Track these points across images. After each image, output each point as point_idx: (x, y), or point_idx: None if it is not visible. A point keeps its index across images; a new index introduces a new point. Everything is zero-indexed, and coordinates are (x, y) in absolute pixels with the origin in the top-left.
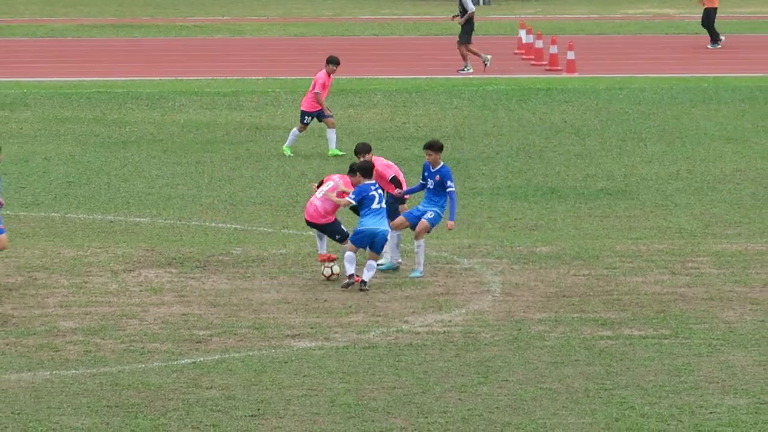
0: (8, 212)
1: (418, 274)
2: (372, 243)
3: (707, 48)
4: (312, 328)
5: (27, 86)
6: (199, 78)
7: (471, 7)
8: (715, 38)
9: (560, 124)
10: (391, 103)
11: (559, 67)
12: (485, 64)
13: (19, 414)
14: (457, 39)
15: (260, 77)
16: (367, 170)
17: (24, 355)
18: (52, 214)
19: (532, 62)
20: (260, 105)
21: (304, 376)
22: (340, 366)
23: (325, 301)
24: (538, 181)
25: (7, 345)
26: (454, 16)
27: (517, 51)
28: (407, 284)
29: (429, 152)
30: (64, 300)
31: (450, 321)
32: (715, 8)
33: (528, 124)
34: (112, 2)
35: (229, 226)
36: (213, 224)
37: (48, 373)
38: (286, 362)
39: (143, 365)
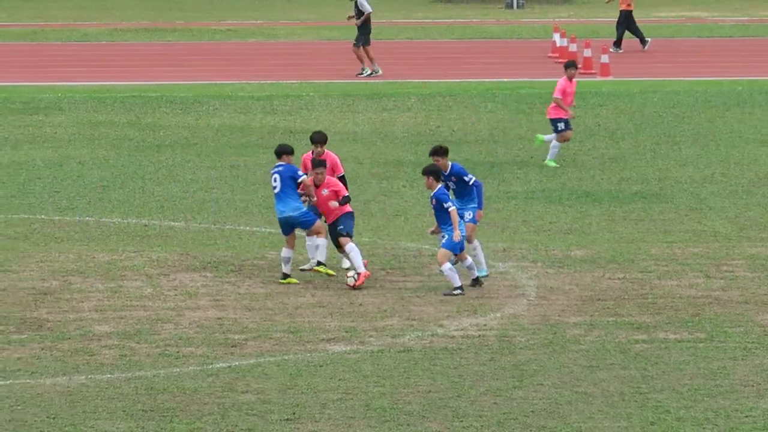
0: (43, 216)
1: (485, 273)
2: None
3: (611, 50)
4: (347, 332)
5: (61, 90)
6: (233, 82)
7: (368, 8)
8: (618, 43)
9: (594, 128)
10: (424, 106)
11: (593, 71)
12: (373, 72)
13: (54, 418)
14: (354, 42)
15: (294, 81)
16: (437, 174)
17: (59, 359)
18: (87, 218)
19: None
20: (294, 109)
21: (339, 380)
22: (375, 370)
23: (360, 305)
24: (573, 184)
25: (43, 349)
26: (350, 17)
27: (551, 54)
28: (442, 288)
29: (436, 158)
30: (99, 304)
31: (485, 325)
32: (630, 11)
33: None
34: (145, 6)
35: (263, 230)
36: (248, 228)
37: (83, 377)
38: (321, 366)
39: (178, 369)
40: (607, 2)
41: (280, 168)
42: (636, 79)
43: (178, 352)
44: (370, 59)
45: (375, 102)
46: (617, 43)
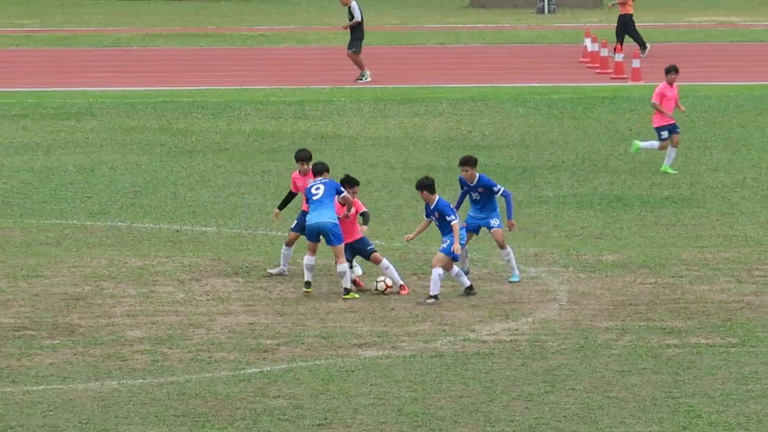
0: (75, 221)
1: (516, 279)
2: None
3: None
4: (379, 337)
5: (93, 96)
6: (264, 87)
7: (358, 16)
8: (620, 45)
9: (626, 132)
10: (456, 111)
11: (624, 76)
12: (362, 78)
13: (86, 423)
14: (347, 47)
15: (325, 86)
16: (431, 187)
17: (91, 364)
18: (119, 223)
19: (597, 70)
20: (326, 114)
21: (371, 385)
22: (407, 375)
23: (392, 309)
24: (604, 189)
25: (75, 354)
26: (345, 27)
27: (582, 59)
28: (474, 295)
29: (465, 168)
30: (131, 309)
31: (517, 330)
32: (630, 15)
33: (593, 133)
34: (177, 12)
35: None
36: (279, 233)
37: (115, 382)
38: (353, 371)
39: (210, 374)
40: (610, 7)
41: (324, 181)
42: None
43: (210, 357)
44: (358, 65)
45: (406, 107)
46: (642, 45)
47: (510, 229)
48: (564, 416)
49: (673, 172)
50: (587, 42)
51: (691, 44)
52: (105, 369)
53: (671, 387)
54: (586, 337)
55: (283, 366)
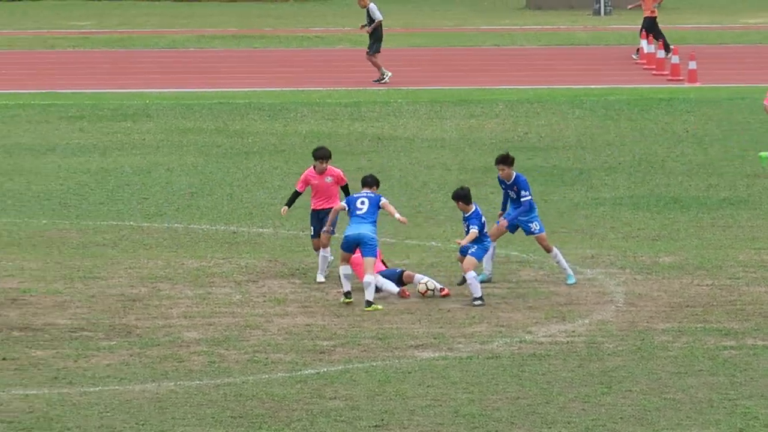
0: (131, 223)
1: (572, 280)
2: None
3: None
4: (435, 338)
5: (149, 97)
6: (320, 89)
7: (378, 16)
8: (666, 47)
9: (682, 134)
10: (512, 113)
11: (680, 77)
12: (382, 79)
13: (143, 425)
14: (367, 50)
15: (382, 88)
16: (466, 197)
17: (148, 366)
18: (175, 225)
19: (654, 72)
20: (382, 116)
21: (427, 386)
22: (463, 376)
23: (449, 311)
24: (661, 191)
25: (131, 356)
26: (362, 26)
27: (638, 61)
28: (530, 294)
29: (502, 167)
30: (187, 311)
31: (573, 331)
32: (654, 17)
33: (650, 134)
34: (232, 13)
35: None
36: (336, 235)
37: (172, 383)
38: (409, 373)
39: (267, 376)
40: (630, 8)
41: (371, 195)
42: (724, 86)
43: (266, 358)
44: (377, 66)
45: (463, 108)
46: (666, 47)
47: (499, 224)
48: (620, 418)
49: None
50: (643, 43)
51: (748, 45)
52: (162, 370)
53: (728, 389)
54: (643, 339)
55: (340, 367)
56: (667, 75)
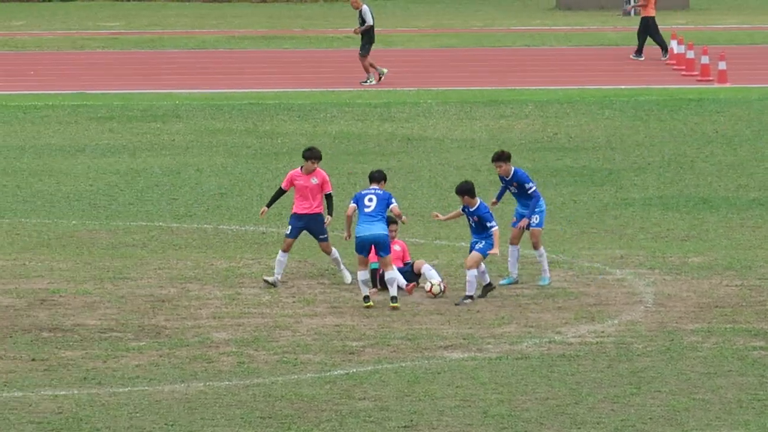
0: (161, 224)
1: (546, 282)
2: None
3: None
4: (465, 339)
5: (179, 98)
6: (350, 89)
7: (370, 20)
8: (639, 50)
9: (712, 135)
10: (542, 113)
11: (710, 78)
12: (380, 77)
13: (172, 425)
14: (360, 52)
15: (411, 88)
16: (471, 191)
17: (177, 366)
18: (205, 225)
19: (683, 73)
20: (412, 116)
21: (456, 387)
22: (492, 377)
23: (478, 312)
24: (690, 191)
25: (161, 356)
26: (356, 30)
27: (668, 61)
28: (559, 295)
29: (499, 164)
30: (217, 311)
31: (602, 332)
32: (653, 17)
33: (680, 135)
34: (262, 14)
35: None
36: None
37: (201, 384)
38: (438, 373)
39: (296, 376)
40: (629, 9)
41: (378, 191)
42: (754, 86)
43: (296, 359)
44: (365, 69)
45: (492, 109)
46: (639, 51)
47: (523, 226)
48: (650, 418)
49: None
50: (673, 44)
51: None
52: (191, 371)
53: (757, 389)
54: (672, 339)
55: (369, 368)
56: (696, 75)
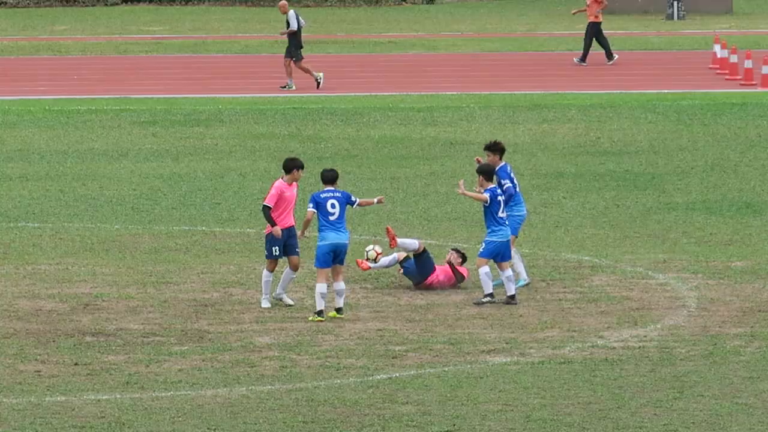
0: (204, 228)
1: (522, 283)
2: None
3: (576, 64)
4: (507, 343)
5: (222, 102)
6: (393, 93)
7: (294, 25)
8: (584, 56)
9: (755, 139)
10: (585, 117)
11: (753, 82)
12: (318, 83)
13: (215, 430)
14: (288, 56)
15: (455, 92)
16: (489, 173)
17: (220, 370)
18: (248, 230)
19: (727, 77)
20: (455, 120)
21: (499, 391)
22: (535, 381)
23: (521, 316)
24: (733, 195)
25: (204, 361)
26: (282, 32)
27: (711, 66)
28: (602, 299)
29: (488, 153)
30: (260, 316)
31: (645, 336)
32: (599, 23)
33: (723, 139)
34: (307, 18)
35: (424, 241)
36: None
37: (244, 388)
38: (481, 377)
39: (339, 381)
40: (573, 14)
41: (337, 194)
42: None
43: (338, 363)
44: (289, 73)
45: (535, 113)
46: (584, 58)
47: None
48: (692, 423)
49: None
50: (716, 48)
51: None
52: (234, 375)
53: None
54: (715, 344)
55: (412, 372)
56: (740, 80)
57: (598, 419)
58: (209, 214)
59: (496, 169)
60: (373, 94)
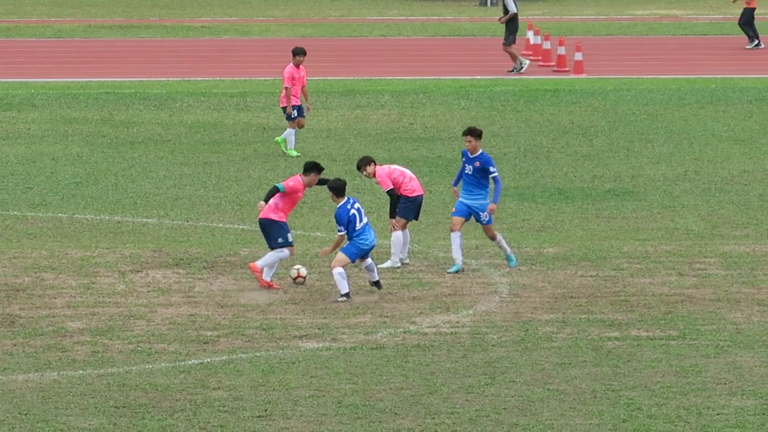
0: (15, 212)
1: (514, 263)
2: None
3: (746, 48)
4: (319, 329)
5: (34, 87)
6: (206, 79)
7: (513, 8)
8: (752, 38)
9: (568, 125)
10: (398, 103)
11: (566, 68)
12: (520, 68)
13: (26, 414)
14: (503, 41)
15: (268, 78)
16: (339, 189)
17: (31, 355)
18: (60, 214)
19: (540, 63)
20: (268, 106)
21: (311, 376)
22: (347, 367)
23: (332, 302)
24: (546, 182)
25: (15, 346)
26: (500, 18)
27: (524, 52)
28: (414, 285)
29: (469, 138)
30: (71, 300)
31: (457, 322)
32: (753, 8)
33: (536, 125)
34: (119, 3)
35: (236, 226)
36: (220, 225)
37: (55, 373)
38: (293, 363)
39: (151, 366)
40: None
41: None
42: (610, 77)
43: (150, 348)
44: (514, 57)
45: (348, 99)
46: (752, 39)
47: (490, 212)
48: (504, 408)
49: (297, 154)
50: (530, 35)
51: (634, 37)
52: (45, 360)
53: (611, 379)
54: (527, 330)
55: (224, 357)
56: (553, 66)
57: (410, 405)
58: (21, 198)
59: (480, 156)
60: (186, 79)
